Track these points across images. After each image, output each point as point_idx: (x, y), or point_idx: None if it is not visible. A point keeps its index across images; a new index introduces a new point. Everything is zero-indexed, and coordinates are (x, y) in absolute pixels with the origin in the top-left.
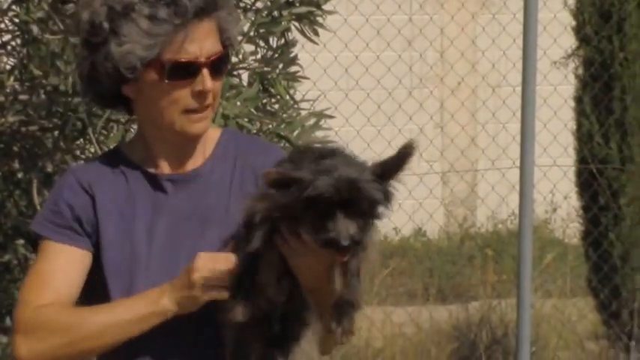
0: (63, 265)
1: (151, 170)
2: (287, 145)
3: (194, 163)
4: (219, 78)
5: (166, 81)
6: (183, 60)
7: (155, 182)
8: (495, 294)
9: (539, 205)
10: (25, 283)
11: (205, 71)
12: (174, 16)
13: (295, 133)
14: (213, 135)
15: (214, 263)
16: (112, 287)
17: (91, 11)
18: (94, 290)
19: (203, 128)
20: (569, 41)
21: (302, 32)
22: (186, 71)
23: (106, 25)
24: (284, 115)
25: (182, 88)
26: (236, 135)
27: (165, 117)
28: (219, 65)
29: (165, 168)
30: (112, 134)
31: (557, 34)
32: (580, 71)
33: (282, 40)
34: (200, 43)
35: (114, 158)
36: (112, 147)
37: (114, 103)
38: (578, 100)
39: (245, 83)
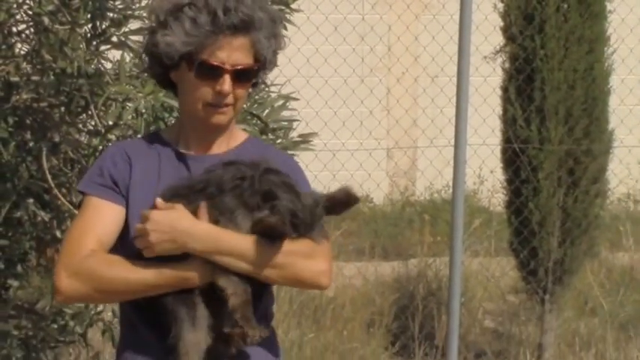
0: (103, 217)
1: (181, 150)
2: (258, 122)
3: (217, 149)
4: (243, 85)
5: (194, 75)
6: (210, 63)
7: (181, 159)
8: (431, 253)
9: (470, 178)
10: (72, 228)
11: (227, 76)
12: (211, 25)
13: (265, 112)
14: (240, 136)
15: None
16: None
17: (156, 5)
18: (123, 239)
19: (221, 121)
20: (498, 39)
21: None
22: (212, 72)
23: (161, 17)
24: (256, 97)
25: (206, 85)
26: (260, 143)
27: (191, 105)
28: (243, 75)
29: (192, 149)
30: (110, 110)
31: (488, 33)
32: (506, 65)
33: None
34: (229, 52)
35: (153, 139)
36: (110, 122)
37: (164, 84)
38: (505, 89)
39: None
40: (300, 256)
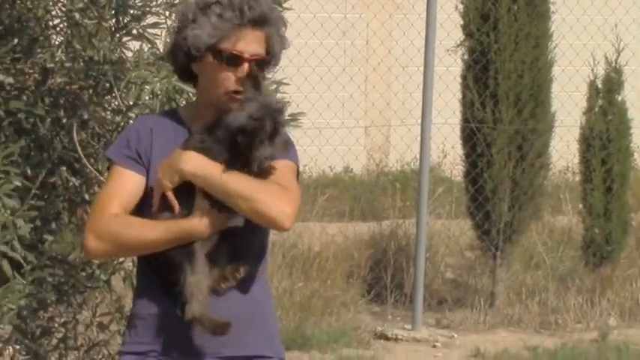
0: (126, 185)
1: (193, 129)
2: None
3: None
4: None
5: (216, 62)
6: (233, 52)
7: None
8: (401, 215)
9: (434, 152)
10: (100, 195)
11: (246, 65)
12: (235, 19)
13: None
14: None
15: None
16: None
17: (186, 5)
18: (142, 204)
19: (237, 106)
20: (458, 35)
21: None
22: (233, 60)
23: (190, 15)
24: None
25: (227, 72)
26: None
27: (213, 93)
28: (258, 65)
29: None
30: (130, 92)
31: (450, 29)
32: (465, 57)
33: None
34: (248, 44)
35: (170, 116)
36: (130, 102)
37: (184, 76)
38: (464, 77)
39: None
40: (270, 195)
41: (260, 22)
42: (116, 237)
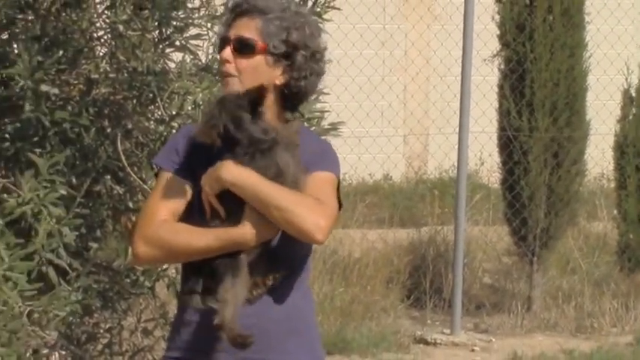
0: (174, 192)
1: None
2: (296, 113)
3: None
4: (244, 56)
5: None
6: (221, 35)
7: None
8: (440, 222)
9: (472, 160)
10: (148, 202)
11: (228, 47)
12: (229, 12)
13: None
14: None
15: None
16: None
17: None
18: (189, 211)
19: (228, 90)
20: (495, 45)
21: None
22: (222, 45)
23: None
24: None
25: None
26: (304, 128)
27: None
28: (243, 46)
29: None
30: (173, 102)
31: (487, 39)
32: (502, 66)
33: None
34: (236, 30)
35: None
36: (173, 112)
37: None
38: (500, 86)
39: None
40: (305, 207)
41: (250, 11)
42: (165, 243)
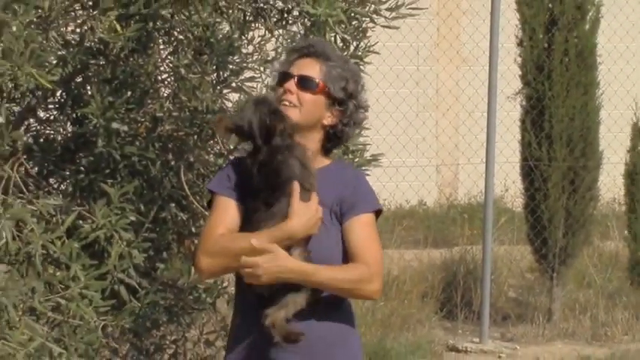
0: (229, 211)
1: None
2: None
3: (316, 165)
4: (305, 90)
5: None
6: (283, 71)
7: None
8: (469, 242)
9: (497, 187)
10: (207, 223)
11: (292, 80)
12: (291, 55)
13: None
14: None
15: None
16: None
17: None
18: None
19: (286, 111)
20: (517, 84)
21: None
22: (284, 78)
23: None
24: None
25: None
26: (342, 162)
27: None
28: (305, 81)
29: None
30: (230, 138)
31: (510, 79)
32: (524, 103)
33: None
34: (299, 67)
35: None
36: (231, 146)
37: None
38: (522, 121)
39: None
40: (359, 281)
41: (314, 54)
42: (225, 249)
